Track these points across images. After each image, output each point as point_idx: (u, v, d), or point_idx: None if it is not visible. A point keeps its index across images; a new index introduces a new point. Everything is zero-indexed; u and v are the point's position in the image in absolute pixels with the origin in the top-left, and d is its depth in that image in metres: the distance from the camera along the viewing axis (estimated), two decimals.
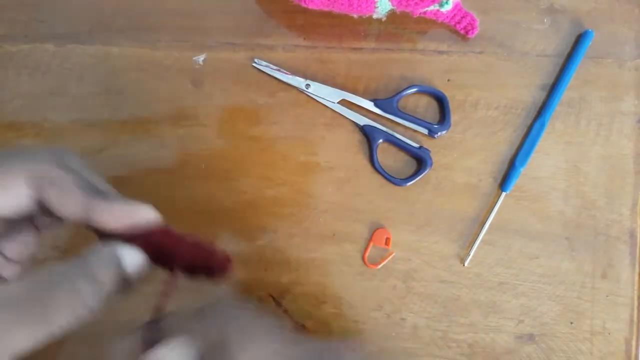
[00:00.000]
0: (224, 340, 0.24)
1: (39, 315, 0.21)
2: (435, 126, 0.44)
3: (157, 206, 0.43)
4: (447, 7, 0.43)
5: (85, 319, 0.23)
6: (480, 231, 0.43)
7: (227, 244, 0.43)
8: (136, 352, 0.23)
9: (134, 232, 0.26)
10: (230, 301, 0.30)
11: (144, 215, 0.26)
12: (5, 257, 0.28)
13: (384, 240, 0.43)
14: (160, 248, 0.26)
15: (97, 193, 0.25)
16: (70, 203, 0.24)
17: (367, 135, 0.44)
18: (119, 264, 0.24)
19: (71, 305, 0.22)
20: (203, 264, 0.26)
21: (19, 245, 0.28)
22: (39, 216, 0.27)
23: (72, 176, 0.25)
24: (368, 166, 0.44)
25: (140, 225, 0.26)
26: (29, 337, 0.21)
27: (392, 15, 0.43)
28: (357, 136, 0.44)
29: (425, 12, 0.43)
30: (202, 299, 0.26)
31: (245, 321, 0.25)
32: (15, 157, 0.25)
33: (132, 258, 0.25)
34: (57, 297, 0.22)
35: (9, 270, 0.28)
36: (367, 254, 0.43)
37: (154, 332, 0.24)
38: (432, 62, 0.45)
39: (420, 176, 0.43)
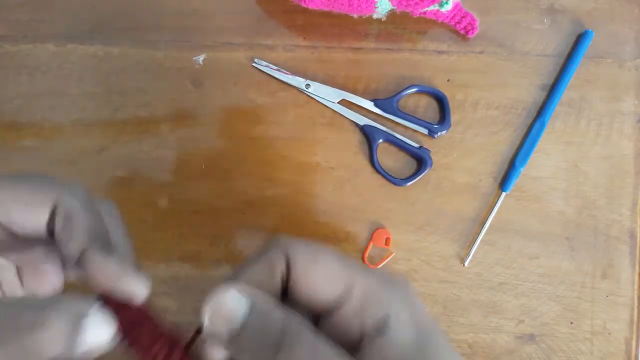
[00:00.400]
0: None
1: None
2: (435, 126, 0.44)
3: (158, 206, 0.44)
4: (447, 7, 0.43)
5: None
6: (480, 231, 0.43)
7: (226, 244, 0.43)
8: None
9: (117, 300, 0.23)
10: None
11: (136, 289, 0.23)
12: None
13: (384, 240, 0.43)
14: (131, 328, 0.22)
15: (102, 243, 0.23)
16: (70, 241, 0.23)
17: (367, 135, 0.44)
18: (77, 330, 0.20)
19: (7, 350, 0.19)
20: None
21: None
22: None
23: (89, 216, 0.24)
24: (368, 166, 0.44)
25: (124, 297, 0.23)
26: None
27: (392, 15, 0.43)
28: (357, 136, 0.44)
29: (425, 12, 0.43)
30: None
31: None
32: (46, 180, 0.24)
33: (99, 330, 0.20)
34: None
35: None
36: (367, 254, 0.43)
37: None
38: (432, 62, 0.45)
39: (420, 176, 0.43)
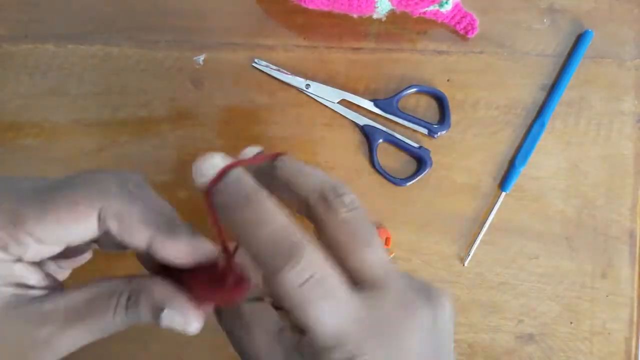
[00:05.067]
0: None
1: (89, 323, 0.23)
2: (435, 126, 0.44)
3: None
4: (447, 7, 0.43)
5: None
6: (480, 231, 0.43)
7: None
8: None
9: (195, 265, 0.25)
10: None
11: (207, 251, 0.25)
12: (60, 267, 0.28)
13: (384, 240, 0.43)
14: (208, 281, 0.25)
15: (162, 226, 0.24)
16: (134, 237, 0.24)
17: (367, 135, 0.44)
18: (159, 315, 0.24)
19: (112, 320, 0.24)
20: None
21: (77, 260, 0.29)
22: (104, 241, 0.26)
23: (137, 207, 0.24)
24: (368, 166, 0.44)
25: (201, 259, 0.25)
26: (77, 340, 0.23)
27: (392, 15, 0.43)
28: (357, 136, 0.44)
29: (425, 12, 0.43)
30: None
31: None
32: (86, 186, 0.24)
33: (179, 322, 0.24)
34: (106, 311, 0.24)
35: (60, 276, 0.29)
36: None
37: None
38: (432, 62, 0.45)
39: (420, 176, 0.43)
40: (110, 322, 0.24)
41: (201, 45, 0.45)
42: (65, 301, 0.24)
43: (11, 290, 0.23)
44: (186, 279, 0.25)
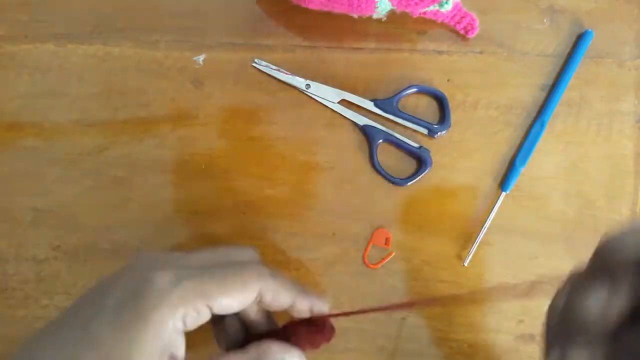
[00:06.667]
0: None
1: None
2: (435, 126, 0.44)
3: (158, 206, 0.44)
4: (447, 7, 0.43)
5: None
6: (480, 231, 0.43)
7: (227, 244, 0.43)
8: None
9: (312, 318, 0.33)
10: None
11: (322, 306, 0.33)
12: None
13: (384, 240, 0.43)
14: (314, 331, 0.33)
15: (298, 291, 0.32)
16: (280, 302, 0.31)
17: (367, 135, 0.44)
18: None
19: None
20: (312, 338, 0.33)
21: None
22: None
23: (280, 281, 0.31)
24: (368, 166, 0.44)
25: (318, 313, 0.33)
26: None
27: (392, 15, 0.43)
28: (357, 136, 0.45)
29: (425, 12, 0.44)
30: None
31: None
32: (249, 269, 0.30)
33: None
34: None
35: None
36: (367, 254, 0.43)
37: None
38: (432, 62, 0.45)
39: (420, 176, 0.43)
40: None
41: (201, 45, 0.45)
42: None
43: None
44: (289, 332, 0.32)
